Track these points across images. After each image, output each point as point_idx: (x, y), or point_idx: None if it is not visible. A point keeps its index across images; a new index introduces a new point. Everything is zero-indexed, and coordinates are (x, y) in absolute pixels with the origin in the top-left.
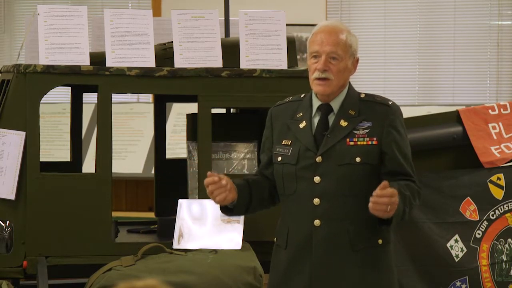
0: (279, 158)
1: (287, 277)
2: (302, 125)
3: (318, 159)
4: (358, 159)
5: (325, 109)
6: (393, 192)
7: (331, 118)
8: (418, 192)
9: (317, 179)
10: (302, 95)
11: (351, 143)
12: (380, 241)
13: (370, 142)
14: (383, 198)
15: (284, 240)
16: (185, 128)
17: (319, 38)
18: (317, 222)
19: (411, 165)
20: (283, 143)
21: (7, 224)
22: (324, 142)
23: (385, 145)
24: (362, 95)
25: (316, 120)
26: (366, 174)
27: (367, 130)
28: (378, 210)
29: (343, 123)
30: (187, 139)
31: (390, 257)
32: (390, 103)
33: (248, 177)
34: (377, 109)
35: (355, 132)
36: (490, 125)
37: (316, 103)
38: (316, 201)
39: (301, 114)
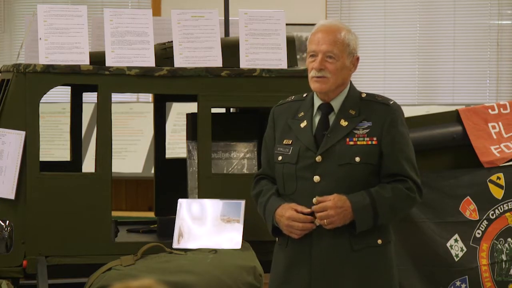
0: (280, 158)
1: (287, 276)
2: (303, 124)
3: (318, 158)
4: (357, 159)
5: (326, 108)
6: (322, 207)
7: (332, 118)
8: (407, 195)
9: (316, 178)
10: (304, 95)
11: (351, 142)
12: (379, 241)
13: (370, 142)
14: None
15: (285, 239)
16: (185, 127)
17: (317, 37)
18: (317, 221)
19: (412, 165)
20: (284, 142)
21: (7, 224)
22: (324, 142)
23: (384, 144)
24: (363, 95)
25: (317, 119)
26: (365, 174)
27: (367, 130)
28: (320, 222)
29: (343, 122)
30: (187, 139)
31: (390, 257)
32: (391, 102)
33: (274, 191)
34: (378, 109)
35: (355, 132)
36: (490, 124)
37: (317, 102)
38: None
39: (302, 113)
